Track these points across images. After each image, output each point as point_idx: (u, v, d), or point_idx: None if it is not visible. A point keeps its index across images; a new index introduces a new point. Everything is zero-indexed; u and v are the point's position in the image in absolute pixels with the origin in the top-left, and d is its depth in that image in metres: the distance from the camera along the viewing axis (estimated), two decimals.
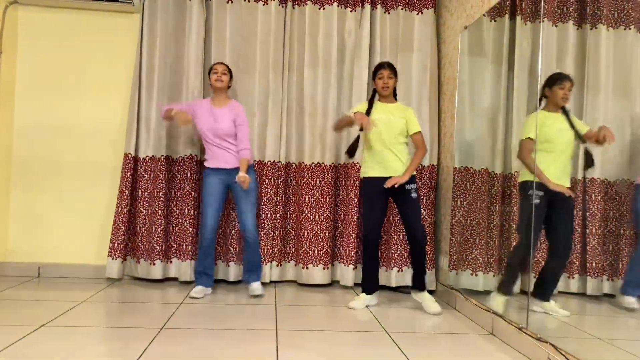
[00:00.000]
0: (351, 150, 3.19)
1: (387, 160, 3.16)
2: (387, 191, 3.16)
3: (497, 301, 2.85)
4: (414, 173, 3.20)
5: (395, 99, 3.32)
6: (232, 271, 3.74)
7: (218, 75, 3.39)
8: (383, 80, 3.18)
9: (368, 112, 3.16)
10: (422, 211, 3.72)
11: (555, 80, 2.68)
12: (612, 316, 2.47)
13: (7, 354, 2.12)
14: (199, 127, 3.40)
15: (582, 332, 2.57)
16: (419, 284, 3.20)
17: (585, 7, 2.92)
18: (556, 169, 2.61)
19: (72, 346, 2.28)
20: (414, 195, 3.14)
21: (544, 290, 2.63)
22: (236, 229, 3.75)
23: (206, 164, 3.42)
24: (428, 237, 3.70)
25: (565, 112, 2.62)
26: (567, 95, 2.62)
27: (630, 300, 2.44)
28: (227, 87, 3.46)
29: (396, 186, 3.08)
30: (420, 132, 3.21)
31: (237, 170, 3.38)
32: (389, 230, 3.75)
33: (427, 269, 3.59)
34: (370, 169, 3.19)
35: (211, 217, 3.34)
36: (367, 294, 3.24)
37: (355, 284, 3.75)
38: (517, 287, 2.86)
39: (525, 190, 2.72)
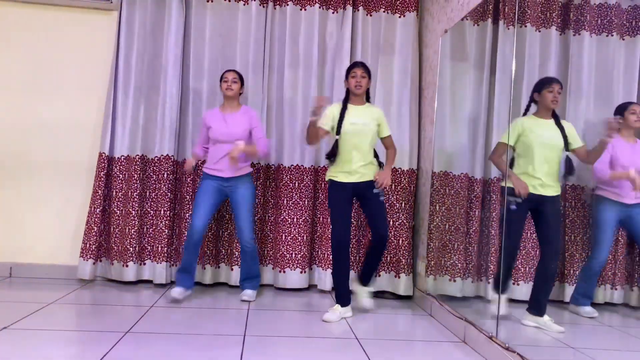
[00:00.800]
0: (332, 154, 3.12)
1: (355, 164, 3.06)
2: (353, 194, 3.10)
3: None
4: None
5: (368, 101, 3.23)
6: (208, 274, 3.68)
7: (228, 84, 3.33)
8: (356, 79, 3.07)
9: (342, 115, 3.08)
10: (400, 216, 3.69)
11: (544, 84, 2.65)
12: (578, 324, 2.45)
13: None
14: (212, 136, 3.32)
15: (556, 340, 2.54)
16: (366, 278, 3.21)
17: (569, 13, 2.90)
18: (542, 175, 2.56)
19: (28, 351, 2.22)
20: (382, 198, 3.10)
21: (537, 303, 2.58)
22: (213, 232, 3.69)
23: (205, 169, 3.35)
24: (406, 242, 3.66)
25: (556, 118, 2.59)
26: (556, 98, 2.59)
27: (587, 310, 2.43)
28: (238, 94, 3.39)
29: (380, 185, 3.05)
30: (390, 135, 3.19)
31: (236, 179, 3.31)
32: (366, 234, 3.70)
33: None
34: (339, 173, 3.09)
35: (199, 218, 3.22)
36: (344, 305, 3.10)
37: (333, 288, 3.70)
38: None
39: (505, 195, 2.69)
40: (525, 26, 2.91)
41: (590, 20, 2.82)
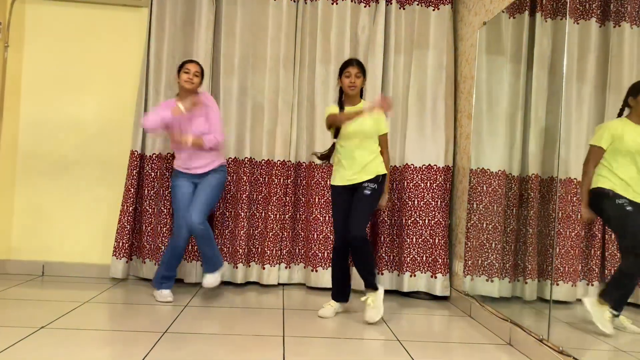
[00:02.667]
0: (326, 157, 3.06)
1: (359, 166, 2.91)
2: (350, 194, 2.94)
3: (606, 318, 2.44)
4: (385, 174, 2.95)
5: (362, 98, 3.06)
6: (240, 273, 3.63)
7: (189, 76, 3.10)
8: (350, 79, 2.90)
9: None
10: (436, 214, 3.59)
11: None
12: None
13: (4, 357, 2.04)
14: (170, 130, 3.16)
15: (611, 345, 2.43)
16: (368, 282, 2.95)
17: (609, 4, 2.79)
18: (635, 184, 2.41)
19: (69, 350, 2.19)
20: (367, 192, 2.87)
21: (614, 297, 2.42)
22: (245, 230, 3.64)
23: (176, 165, 3.22)
24: (442, 241, 3.57)
25: None
26: None
27: None
28: (196, 89, 3.17)
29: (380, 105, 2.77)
30: (386, 133, 3.03)
31: (206, 174, 3.17)
32: (401, 234, 3.62)
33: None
34: (341, 178, 2.96)
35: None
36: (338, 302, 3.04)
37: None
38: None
39: (600, 198, 2.50)
40: (564, 19, 2.80)
41: (631, 11, 2.71)
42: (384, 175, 2.96)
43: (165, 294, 3.13)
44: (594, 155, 2.54)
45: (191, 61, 3.19)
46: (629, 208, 2.40)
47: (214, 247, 3.17)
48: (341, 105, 2.96)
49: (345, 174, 2.94)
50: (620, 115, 2.54)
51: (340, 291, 3.06)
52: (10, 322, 2.53)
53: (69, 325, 2.54)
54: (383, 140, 3.01)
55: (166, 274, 3.17)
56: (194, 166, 3.16)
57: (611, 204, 2.46)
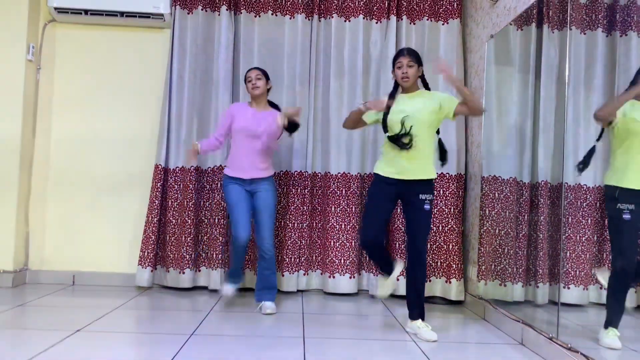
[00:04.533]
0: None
1: (404, 159, 2.76)
2: (397, 195, 2.82)
3: (609, 336, 2.33)
4: (433, 181, 2.85)
5: (427, 88, 2.92)
6: None
7: (253, 82, 3.25)
8: (402, 70, 2.76)
9: (387, 109, 2.80)
10: (450, 221, 3.70)
11: None
12: None
13: (44, 357, 2.20)
14: (235, 128, 3.22)
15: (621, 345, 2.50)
16: (412, 311, 2.83)
17: (615, 14, 2.88)
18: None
19: (105, 350, 2.34)
20: (427, 207, 2.76)
21: None
22: (279, 239, 3.77)
23: (226, 171, 3.27)
24: (456, 247, 3.67)
25: None
26: None
27: None
28: (265, 91, 3.31)
29: (440, 67, 2.68)
30: (458, 103, 2.82)
31: (257, 181, 3.23)
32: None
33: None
34: (385, 167, 2.82)
35: (243, 228, 3.14)
36: (390, 273, 2.88)
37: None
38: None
39: (610, 196, 2.38)
40: (571, 29, 2.90)
41: (637, 21, 2.80)
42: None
43: (228, 288, 3.34)
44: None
45: (251, 69, 3.32)
46: (626, 216, 2.27)
47: (275, 273, 3.34)
48: (392, 95, 2.84)
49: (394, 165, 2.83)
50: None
51: (389, 263, 2.94)
52: (48, 326, 2.70)
53: (102, 329, 2.70)
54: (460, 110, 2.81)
55: (230, 273, 3.36)
56: (249, 171, 3.20)
57: (612, 206, 2.39)
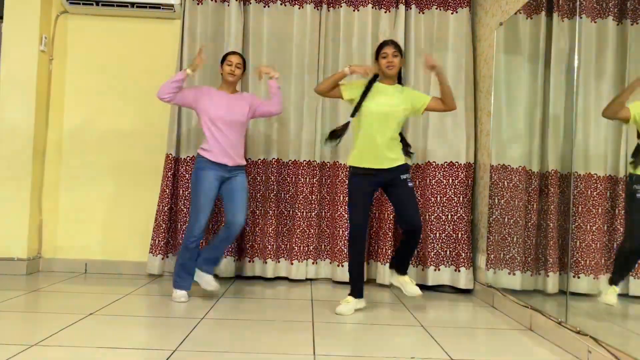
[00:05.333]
0: (338, 135, 2.96)
1: (381, 150, 2.90)
2: (376, 183, 2.96)
3: (609, 293, 2.53)
4: (408, 164, 3.02)
5: (400, 83, 3.06)
6: (269, 268, 3.80)
7: (232, 68, 3.14)
8: (387, 59, 2.89)
9: (364, 94, 2.91)
10: (459, 209, 3.70)
11: None
12: None
13: (58, 338, 2.24)
14: (208, 114, 3.10)
15: (625, 329, 2.51)
16: (403, 267, 3.08)
17: (626, 2, 2.86)
18: None
19: (118, 332, 2.38)
20: (410, 184, 2.95)
21: None
22: (274, 227, 3.81)
23: (206, 154, 3.10)
24: (465, 236, 3.68)
25: None
26: None
27: None
28: (238, 80, 3.24)
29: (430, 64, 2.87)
30: (431, 99, 3.00)
31: (237, 169, 3.15)
32: (425, 228, 3.74)
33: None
34: (363, 160, 2.94)
35: (204, 219, 3.08)
36: (357, 297, 2.98)
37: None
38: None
39: (630, 184, 2.52)
40: (581, 17, 2.89)
41: None
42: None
43: (182, 294, 3.12)
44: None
45: (233, 53, 3.25)
46: (639, 195, 2.41)
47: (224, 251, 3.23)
48: (369, 85, 2.93)
49: (373, 156, 2.95)
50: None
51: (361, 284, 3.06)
52: (60, 310, 2.75)
53: (114, 313, 2.74)
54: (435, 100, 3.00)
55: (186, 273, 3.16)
56: (228, 155, 3.11)
57: (629, 187, 2.50)
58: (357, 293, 2.98)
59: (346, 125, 2.99)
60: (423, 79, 3.86)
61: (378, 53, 2.97)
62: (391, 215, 3.73)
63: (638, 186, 2.45)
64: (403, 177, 2.94)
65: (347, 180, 3.80)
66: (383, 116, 2.91)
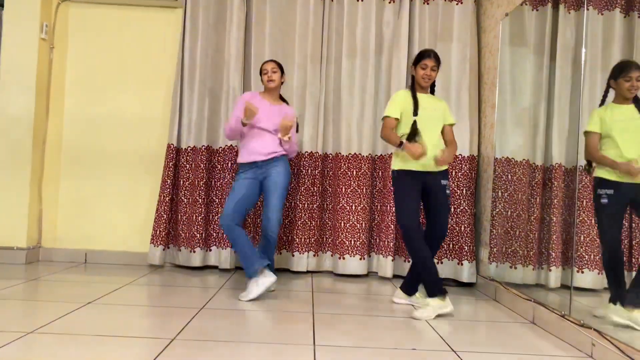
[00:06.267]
0: (412, 135, 2.86)
1: (429, 151, 2.86)
2: (422, 183, 2.91)
3: (615, 313, 2.38)
4: (448, 168, 3.01)
5: (433, 90, 3.08)
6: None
7: (269, 75, 3.19)
8: (426, 71, 2.90)
9: (415, 98, 2.91)
10: (462, 202, 3.67)
11: (621, 70, 2.46)
12: None
13: (55, 326, 2.22)
14: (254, 122, 3.12)
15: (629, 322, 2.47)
16: (415, 286, 2.99)
17: None
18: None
19: (115, 321, 2.36)
20: (448, 192, 2.97)
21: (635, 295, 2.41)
22: (289, 219, 3.76)
23: (240, 160, 3.18)
24: (468, 229, 3.65)
25: (637, 102, 2.40)
26: (634, 87, 2.39)
27: None
28: (279, 85, 3.27)
29: (440, 161, 2.83)
30: (453, 124, 3.05)
31: (270, 162, 3.15)
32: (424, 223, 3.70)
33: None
34: (408, 161, 2.88)
35: (229, 205, 3.05)
36: (439, 295, 2.75)
37: (394, 276, 3.72)
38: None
39: (597, 188, 2.53)
40: (587, 9, 2.84)
41: None
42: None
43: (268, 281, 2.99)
44: (592, 141, 2.54)
45: (268, 61, 3.26)
46: (603, 201, 2.43)
47: (274, 253, 3.23)
48: (413, 92, 2.94)
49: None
50: (603, 100, 2.53)
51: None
52: (59, 298, 2.73)
53: (113, 302, 2.72)
54: (450, 131, 3.04)
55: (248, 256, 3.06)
56: (264, 147, 3.12)
57: (595, 192, 2.50)
58: (437, 292, 2.75)
59: (414, 124, 2.88)
60: None
61: (418, 61, 2.94)
62: (392, 208, 3.70)
63: (602, 190, 2.46)
64: (444, 182, 2.95)
65: (349, 172, 3.80)
66: (433, 121, 2.93)
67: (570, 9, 3.08)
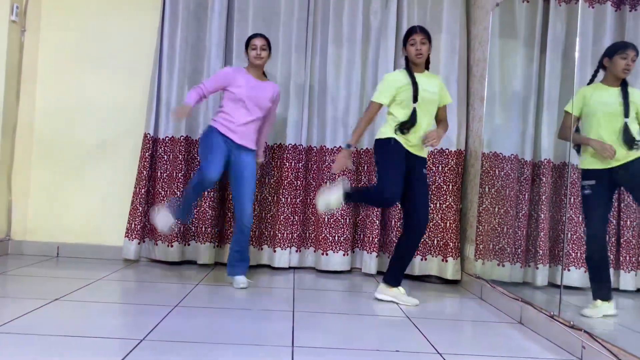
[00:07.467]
0: (409, 125, 2.77)
1: (418, 136, 2.83)
2: (407, 164, 2.82)
3: (599, 310, 2.42)
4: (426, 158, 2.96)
5: (428, 67, 2.97)
6: (251, 256, 3.64)
7: (257, 52, 3.07)
8: (416, 47, 2.78)
9: (414, 81, 2.79)
10: (448, 198, 3.58)
11: (618, 48, 2.42)
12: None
13: (16, 325, 2.08)
14: (238, 95, 3.02)
15: (619, 325, 2.42)
16: (398, 278, 2.88)
17: None
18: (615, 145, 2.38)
19: (82, 320, 2.22)
20: (424, 171, 2.90)
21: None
22: (257, 213, 3.65)
23: (217, 126, 3.04)
24: (454, 225, 3.55)
25: (624, 86, 2.34)
26: (629, 67, 2.33)
27: None
28: (265, 63, 3.17)
29: (428, 140, 2.78)
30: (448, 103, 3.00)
31: (246, 150, 3.08)
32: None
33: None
34: (401, 137, 2.80)
35: (215, 168, 2.93)
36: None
37: (378, 272, 3.62)
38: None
39: (582, 180, 2.51)
40: (577, 2, 2.77)
41: None
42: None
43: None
44: (566, 122, 2.53)
45: (258, 36, 3.13)
46: (586, 191, 2.43)
47: (248, 246, 3.18)
48: (410, 72, 2.83)
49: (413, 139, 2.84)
50: (593, 79, 2.48)
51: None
52: (24, 295, 2.58)
53: (81, 299, 2.58)
54: (443, 113, 2.99)
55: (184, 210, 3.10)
56: (241, 135, 3.05)
57: (581, 184, 2.47)
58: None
59: (414, 112, 2.79)
60: None
61: (406, 39, 2.85)
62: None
63: (585, 182, 2.45)
64: (425, 172, 2.90)
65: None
66: (432, 104, 2.86)
67: (561, 1, 3.00)
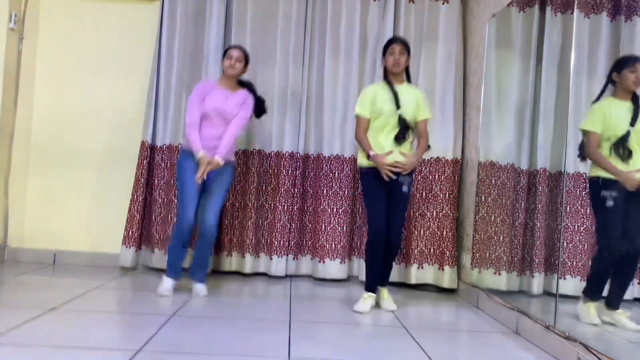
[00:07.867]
0: (402, 135, 2.82)
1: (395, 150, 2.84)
2: (390, 183, 2.83)
3: (587, 309, 2.48)
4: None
5: (409, 79, 3.01)
6: (247, 264, 3.65)
7: (232, 62, 3.04)
8: (394, 57, 2.81)
9: (394, 92, 2.83)
10: (444, 207, 3.59)
11: (626, 62, 2.43)
12: None
13: (11, 336, 2.07)
14: (207, 109, 3.01)
15: (615, 335, 2.42)
16: (384, 281, 2.96)
17: None
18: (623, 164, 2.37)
19: (78, 330, 2.22)
20: (404, 189, 2.84)
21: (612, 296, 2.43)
22: (253, 221, 3.66)
23: (186, 147, 3.03)
24: (450, 234, 3.57)
25: (635, 100, 2.36)
26: (639, 80, 2.36)
27: None
28: (239, 74, 3.12)
29: (401, 173, 2.80)
30: (428, 119, 2.96)
31: (224, 164, 3.01)
32: (408, 226, 3.62)
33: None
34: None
35: (190, 210, 2.96)
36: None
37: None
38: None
39: (596, 188, 2.46)
40: (572, 12, 2.79)
41: None
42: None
43: (166, 285, 3.00)
44: (592, 141, 2.47)
45: (235, 47, 3.13)
46: (609, 203, 2.38)
47: (211, 253, 3.15)
48: (389, 83, 2.87)
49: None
50: (602, 94, 2.48)
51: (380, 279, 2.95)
52: (20, 304, 2.58)
53: (78, 308, 2.57)
54: (424, 127, 2.97)
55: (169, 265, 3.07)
56: (212, 147, 2.98)
57: (596, 194, 2.44)
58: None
59: (403, 122, 2.83)
60: (412, 70, 3.71)
61: (385, 50, 2.88)
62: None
63: (607, 192, 2.40)
64: (405, 188, 2.86)
65: (330, 174, 3.70)
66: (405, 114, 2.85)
67: (557, 11, 3.02)
